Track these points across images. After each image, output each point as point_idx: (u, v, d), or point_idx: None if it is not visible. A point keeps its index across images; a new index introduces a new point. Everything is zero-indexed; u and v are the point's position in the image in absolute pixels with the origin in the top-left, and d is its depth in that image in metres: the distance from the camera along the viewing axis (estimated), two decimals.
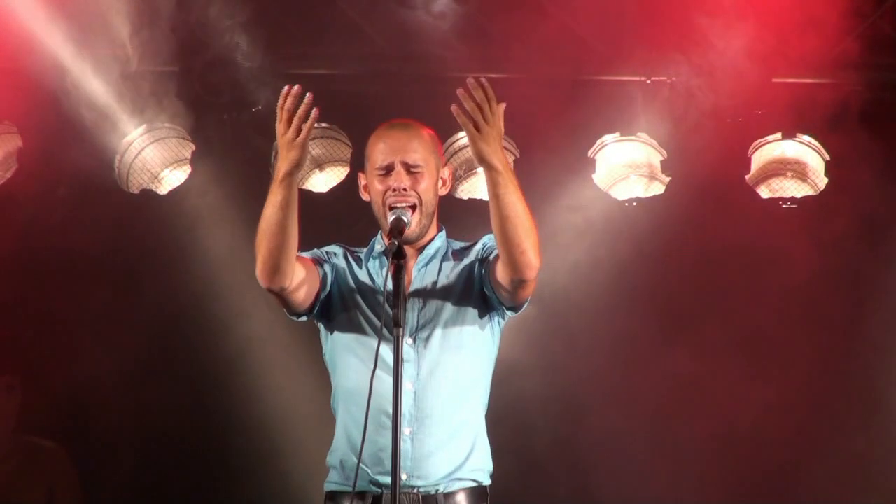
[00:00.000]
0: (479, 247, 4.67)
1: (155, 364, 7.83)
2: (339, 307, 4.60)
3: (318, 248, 4.73)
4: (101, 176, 7.90)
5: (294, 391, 7.67)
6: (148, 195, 8.01)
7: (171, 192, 8.00)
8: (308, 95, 4.27)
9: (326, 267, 4.62)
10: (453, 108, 4.19)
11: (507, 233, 4.29)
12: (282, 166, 4.30)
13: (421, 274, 4.61)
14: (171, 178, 8.10)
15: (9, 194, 7.86)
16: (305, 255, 4.61)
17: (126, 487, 7.82)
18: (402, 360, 4.18)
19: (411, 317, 4.51)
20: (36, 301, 7.79)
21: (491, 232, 4.45)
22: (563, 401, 7.72)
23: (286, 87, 4.28)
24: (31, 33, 7.54)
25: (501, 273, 4.42)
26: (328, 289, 4.59)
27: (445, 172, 4.66)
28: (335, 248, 4.72)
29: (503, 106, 4.27)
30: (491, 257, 4.53)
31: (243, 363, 7.76)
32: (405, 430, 4.40)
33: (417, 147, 4.59)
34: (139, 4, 7.48)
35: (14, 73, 7.70)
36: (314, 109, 4.26)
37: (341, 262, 4.66)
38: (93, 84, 7.71)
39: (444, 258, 4.66)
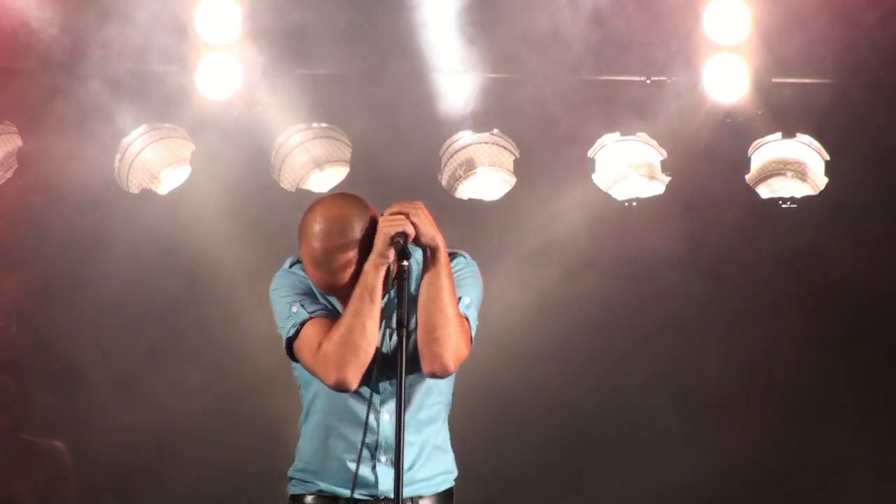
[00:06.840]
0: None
1: (151, 363, 7.82)
2: None
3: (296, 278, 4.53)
4: (101, 176, 7.90)
5: (292, 391, 7.65)
6: (148, 195, 8.00)
7: (171, 192, 8.00)
8: None
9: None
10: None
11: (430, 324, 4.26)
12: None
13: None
14: (171, 178, 8.10)
15: (9, 194, 7.86)
16: (322, 314, 4.45)
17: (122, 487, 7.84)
18: (404, 360, 4.15)
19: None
20: (35, 301, 7.78)
21: (463, 255, 4.44)
22: (558, 400, 7.72)
23: None
24: (31, 33, 7.55)
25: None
26: None
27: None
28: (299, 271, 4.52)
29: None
30: None
31: (241, 363, 7.76)
32: (381, 458, 4.38)
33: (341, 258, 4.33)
34: (139, 4, 7.49)
35: (14, 73, 7.70)
36: None
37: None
38: (92, 84, 7.71)
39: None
